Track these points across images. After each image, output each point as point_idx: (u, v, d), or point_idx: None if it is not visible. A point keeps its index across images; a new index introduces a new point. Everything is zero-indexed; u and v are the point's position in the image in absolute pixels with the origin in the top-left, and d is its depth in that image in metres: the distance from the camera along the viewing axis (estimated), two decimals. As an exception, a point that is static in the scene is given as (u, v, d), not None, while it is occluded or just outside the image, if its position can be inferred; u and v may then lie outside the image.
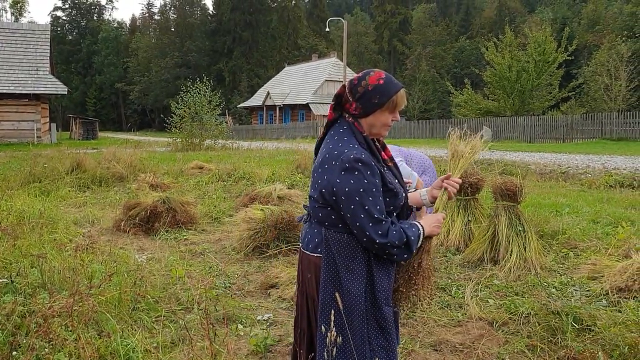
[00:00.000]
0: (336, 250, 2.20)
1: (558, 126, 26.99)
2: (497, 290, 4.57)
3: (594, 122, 26.46)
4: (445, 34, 75.30)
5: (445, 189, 2.46)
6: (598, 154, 16.91)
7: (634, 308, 3.80)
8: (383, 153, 2.38)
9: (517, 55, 31.28)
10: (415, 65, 67.59)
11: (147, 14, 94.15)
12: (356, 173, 2.09)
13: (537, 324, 3.70)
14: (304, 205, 2.47)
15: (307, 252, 2.33)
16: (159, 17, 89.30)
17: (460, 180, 2.49)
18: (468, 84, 34.50)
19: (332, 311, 2.15)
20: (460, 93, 34.65)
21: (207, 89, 23.55)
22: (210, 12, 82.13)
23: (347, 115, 2.27)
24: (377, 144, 2.36)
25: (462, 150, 2.61)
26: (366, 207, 2.08)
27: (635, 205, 8.16)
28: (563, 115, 30.96)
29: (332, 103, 2.30)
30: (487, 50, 32.49)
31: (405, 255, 2.21)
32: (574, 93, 35.33)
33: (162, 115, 26.66)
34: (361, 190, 2.08)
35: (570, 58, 31.86)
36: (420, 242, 2.27)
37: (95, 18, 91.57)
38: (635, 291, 4.18)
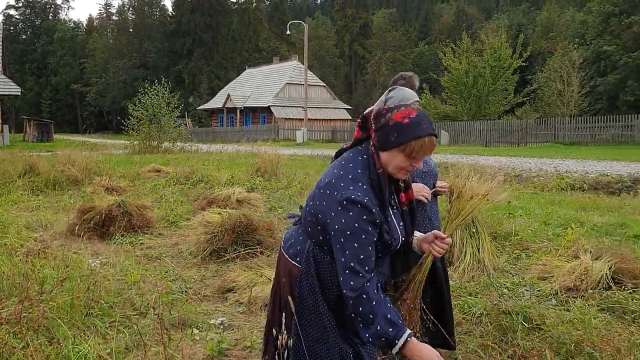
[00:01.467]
0: (314, 269, 2.13)
1: (513, 130, 27.66)
2: (452, 291, 4.64)
3: (547, 127, 27.26)
4: (405, 39, 76.35)
5: (430, 252, 2.35)
6: (551, 158, 17.41)
7: (580, 307, 3.93)
8: (403, 194, 2.24)
9: (474, 61, 31.98)
10: (375, 69, 68.25)
11: (104, 14, 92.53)
12: (350, 214, 1.97)
13: (489, 324, 3.79)
14: (300, 207, 2.39)
15: (286, 256, 2.24)
16: (116, 18, 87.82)
17: (449, 241, 2.36)
18: (427, 88, 35.05)
19: (312, 330, 2.11)
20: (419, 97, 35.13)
21: (165, 90, 23.28)
22: (170, 13, 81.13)
23: (371, 143, 2.13)
24: (400, 183, 2.22)
25: (473, 192, 2.44)
26: (346, 252, 1.98)
27: (585, 207, 8.44)
28: (518, 119, 31.82)
29: (359, 121, 2.19)
30: (445, 55, 33.11)
31: (360, 326, 2.01)
32: (528, 98, 36.33)
33: (119, 117, 26.15)
34: (348, 232, 1.97)
35: (524, 64, 32.80)
36: (387, 345, 2.01)
37: (50, 17, 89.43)
38: (582, 290, 4.32)
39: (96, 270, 4.71)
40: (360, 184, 2.02)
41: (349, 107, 54.48)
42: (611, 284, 4.34)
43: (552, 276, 4.69)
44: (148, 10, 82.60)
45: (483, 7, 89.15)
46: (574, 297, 4.25)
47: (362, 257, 1.97)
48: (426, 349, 2.00)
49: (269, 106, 46.46)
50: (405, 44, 76.08)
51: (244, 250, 5.56)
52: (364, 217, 1.97)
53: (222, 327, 3.95)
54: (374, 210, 2.00)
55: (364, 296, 1.96)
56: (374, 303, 1.96)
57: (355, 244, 1.97)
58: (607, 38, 39.39)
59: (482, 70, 31.51)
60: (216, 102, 54.71)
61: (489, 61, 31.75)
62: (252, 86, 52.37)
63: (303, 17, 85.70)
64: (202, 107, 58.17)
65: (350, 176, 2.04)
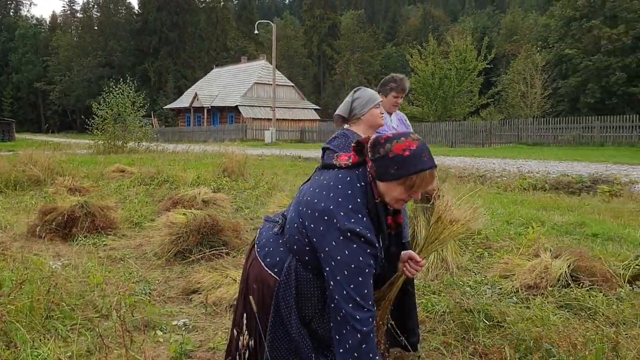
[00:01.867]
0: (295, 283, 2.09)
1: (478, 131, 28.12)
2: (416, 290, 4.70)
3: (511, 128, 27.79)
4: (373, 41, 76.89)
5: (402, 272, 2.33)
6: (514, 158, 17.75)
7: (540, 304, 4.03)
8: (390, 217, 2.18)
9: (440, 63, 32.41)
10: (344, 70, 68.52)
11: (68, 12, 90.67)
12: (355, 246, 1.91)
13: (451, 322, 3.84)
14: (282, 214, 2.31)
15: (262, 263, 2.18)
16: (81, 15, 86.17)
17: (424, 264, 2.34)
18: (394, 89, 35.28)
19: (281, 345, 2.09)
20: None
21: (130, 89, 22.98)
22: (136, 11, 79.96)
23: (368, 171, 2.05)
24: (389, 207, 2.15)
25: (455, 217, 2.41)
26: (351, 285, 1.91)
27: (546, 207, 8.63)
28: (482, 121, 32.35)
29: (354, 145, 2.11)
30: (412, 57, 33.45)
31: (348, 350, 1.93)
32: (492, 100, 37.02)
33: (83, 117, 25.70)
34: (353, 266, 1.91)
35: (489, 66, 33.35)
36: None
37: (11, 14, 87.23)
38: (542, 288, 4.42)
39: (57, 272, 4.61)
40: (360, 215, 1.96)
41: (317, 107, 54.59)
42: (570, 282, 4.45)
43: (514, 274, 4.78)
44: (113, 8, 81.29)
45: (449, 10, 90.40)
46: (534, 295, 4.34)
47: (366, 291, 1.93)
48: None
49: (236, 106, 46.21)
50: (373, 45, 76.61)
51: (209, 252, 5.51)
52: (368, 250, 1.93)
53: (184, 328, 3.92)
54: (376, 245, 1.97)
55: (371, 335, 1.93)
56: (374, 345, 1.94)
57: (360, 278, 1.92)
58: (568, 42, 40.41)
59: (447, 72, 31.96)
60: (183, 102, 54.16)
61: (455, 63, 32.23)
62: (220, 85, 52.02)
63: (271, 16, 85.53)
64: (168, 106, 57.51)
65: (350, 206, 1.96)
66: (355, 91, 3.23)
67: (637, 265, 4.72)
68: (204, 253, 5.50)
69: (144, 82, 66.04)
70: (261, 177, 11.19)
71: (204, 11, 77.01)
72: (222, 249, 5.54)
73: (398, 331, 3.02)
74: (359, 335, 1.90)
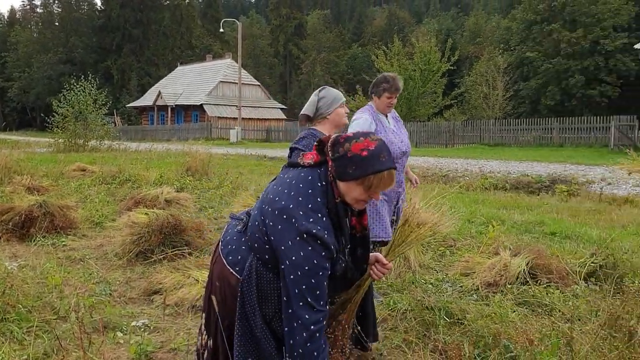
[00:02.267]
0: (255, 282, 2.08)
1: (441, 132, 28.53)
2: (379, 288, 4.74)
3: (473, 129, 28.28)
4: (339, 41, 77.11)
5: (369, 275, 2.34)
6: (476, 159, 18.05)
7: (499, 301, 4.11)
8: (355, 218, 2.20)
9: (405, 64, 32.66)
10: (310, 70, 68.53)
11: (27, 7, 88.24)
12: (310, 249, 1.92)
13: (413, 319, 3.89)
14: (247, 212, 2.29)
15: (224, 261, 2.17)
16: (41, 10, 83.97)
17: (391, 267, 2.36)
18: (359, 90, 35.50)
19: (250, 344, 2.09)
20: (352, 99, 35.57)
21: (92, 87, 22.56)
22: (98, 7, 78.37)
23: (330, 170, 2.05)
24: (353, 208, 2.15)
25: (422, 220, 2.44)
26: (303, 287, 1.92)
27: (507, 206, 8.81)
28: (446, 121, 32.81)
29: (316, 144, 2.12)
30: (377, 58, 33.68)
31: (293, 345, 1.97)
32: (456, 101, 37.53)
33: (42, 114, 25.11)
34: (306, 268, 1.91)
35: (453, 68, 33.76)
36: None
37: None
38: (501, 286, 4.51)
39: (14, 273, 4.49)
40: (319, 215, 1.96)
41: (283, 106, 54.48)
42: (528, 279, 4.55)
43: (474, 272, 4.86)
44: (75, 4, 79.45)
45: (414, 12, 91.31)
46: (493, 292, 4.42)
47: (318, 292, 1.93)
48: None
49: (201, 104, 45.78)
50: (339, 45, 76.85)
51: (171, 252, 5.43)
52: (323, 253, 1.93)
53: (144, 329, 3.86)
54: (332, 247, 1.96)
55: (317, 334, 1.94)
56: (322, 343, 1.96)
57: (313, 280, 1.92)
58: (529, 44, 41.32)
59: (412, 73, 32.24)
60: (146, 100, 53.34)
61: (419, 64, 32.54)
62: (184, 84, 51.42)
63: (237, 15, 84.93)
64: (131, 104, 56.56)
65: (309, 205, 1.96)
66: (320, 90, 3.24)
67: (592, 262, 4.86)
68: (166, 253, 5.42)
69: (107, 80, 64.79)
70: (225, 177, 11.10)
71: (168, 8, 75.92)
72: (185, 249, 5.48)
73: (359, 330, 3.04)
74: (304, 333, 1.92)
